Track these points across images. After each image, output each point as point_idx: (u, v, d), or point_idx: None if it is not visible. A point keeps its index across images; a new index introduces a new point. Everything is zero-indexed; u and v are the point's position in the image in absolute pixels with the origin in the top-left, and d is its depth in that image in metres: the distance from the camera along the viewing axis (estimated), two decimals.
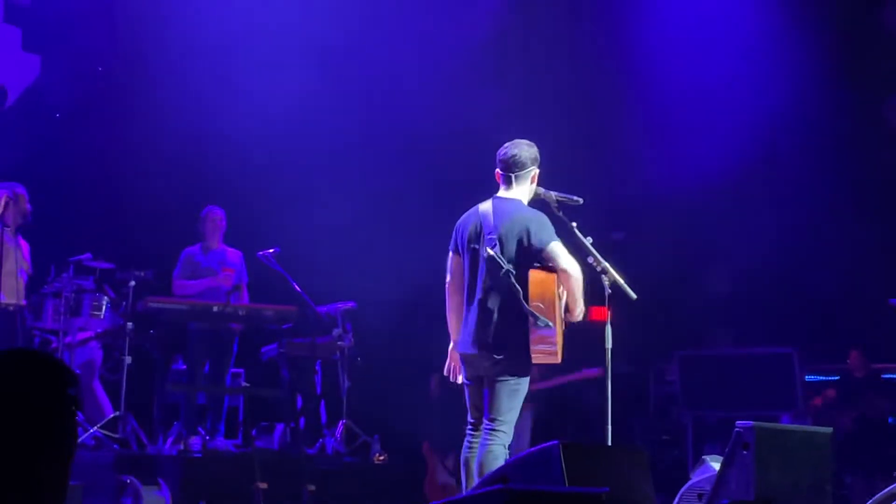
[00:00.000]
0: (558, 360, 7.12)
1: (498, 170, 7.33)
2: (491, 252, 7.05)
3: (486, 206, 7.28)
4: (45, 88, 13.65)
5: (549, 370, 10.01)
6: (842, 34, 12.42)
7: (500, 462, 6.86)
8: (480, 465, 6.99)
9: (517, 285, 6.97)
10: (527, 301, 6.96)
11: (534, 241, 7.07)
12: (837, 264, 11.00)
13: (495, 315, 7.13)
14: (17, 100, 13.62)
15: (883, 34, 12.65)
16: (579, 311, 7.17)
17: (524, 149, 7.29)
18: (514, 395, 7.08)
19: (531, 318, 6.92)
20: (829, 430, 6.30)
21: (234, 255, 11.34)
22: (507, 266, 7.01)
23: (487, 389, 7.13)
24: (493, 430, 7.04)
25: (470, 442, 7.23)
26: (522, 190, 7.32)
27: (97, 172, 12.60)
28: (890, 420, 11.11)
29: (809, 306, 11.00)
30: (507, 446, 7.02)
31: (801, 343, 10.93)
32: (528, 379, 7.15)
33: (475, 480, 6.96)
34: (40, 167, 11.82)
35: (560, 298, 7.06)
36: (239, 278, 11.23)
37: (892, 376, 11.03)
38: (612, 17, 12.88)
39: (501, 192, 7.33)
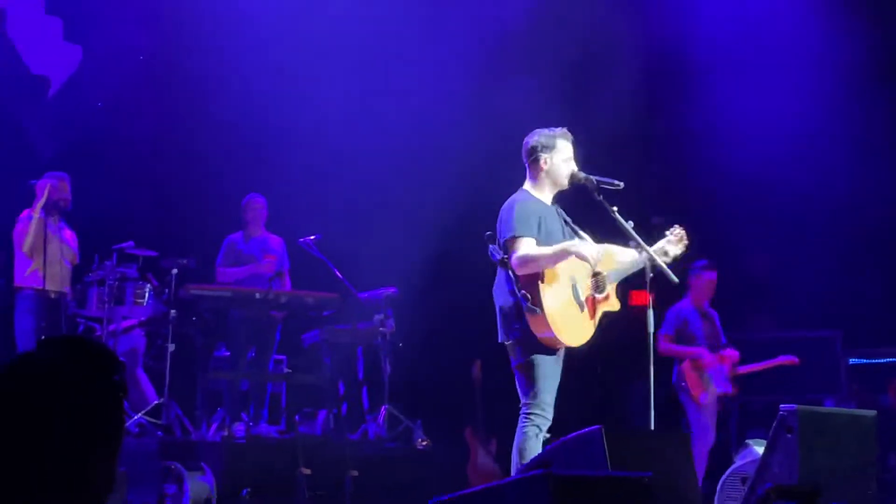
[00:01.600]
0: (564, 342, 7.05)
1: None
2: (490, 243, 7.17)
3: None
4: (86, 78, 13.70)
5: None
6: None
7: (531, 445, 6.93)
8: (516, 450, 7.03)
9: (511, 273, 7.01)
10: (518, 288, 6.99)
11: (500, 232, 7.18)
12: (882, 247, 10.93)
13: (499, 303, 7.21)
14: (60, 90, 13.68)
15: None
16: (586, 259, 7.08)
17: (533, 136, 7.32)
18: (530, 378, 7.07)
19: (523, 305, 6.94)
20: (874, 413, 6.28)
21: (275, 242, 11.37)
22: (500, 255, 7.10)
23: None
24: (524, 414, 7.08)
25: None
26: (533, 176, 7.35)
27: (139, 161, 12.65)
28: None
29: (855, 289, 10.92)
30: (542, 428, 6.99)
31: (847, 327, 10.90)
32: (542, 361, 7.03)
33: (513, 465, 7.01)
34: (83, 156, 11.88)
35: (551, 283, 7.03)
36: (280, 265, 11.27)
37: None
38: (651, 14, 12.84)
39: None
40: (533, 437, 6.95)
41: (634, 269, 7.26)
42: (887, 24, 12.27)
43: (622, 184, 7.25)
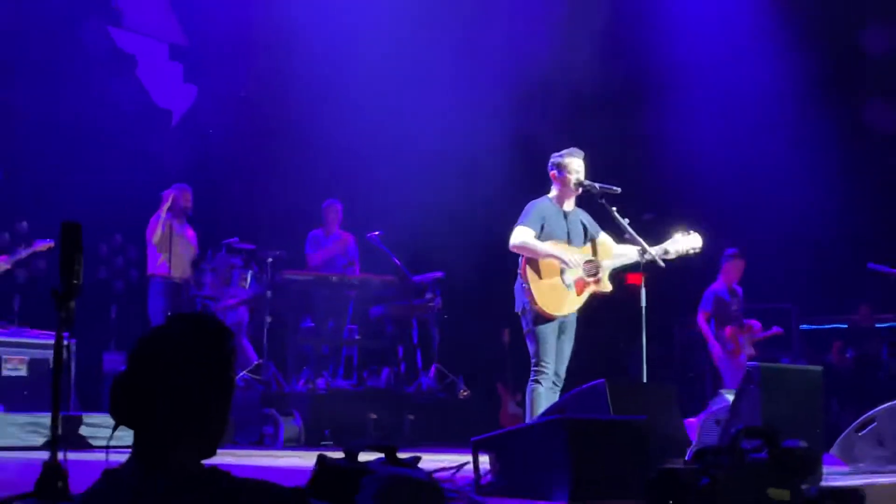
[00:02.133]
0: (550, 313, 7.05)
1: None
2: None
3: None
4: (200, 111, 13.76)
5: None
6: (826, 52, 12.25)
7: (535, 396, 6.97)
8: (527, 399, 7.09)
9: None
10: (517, 270, 7.18)
11: None
12: (833, 237, 10.84)
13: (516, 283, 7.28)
14: (180, 121, 13.75)
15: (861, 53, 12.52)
16: (562, 261, 7.11)
17: (553, 157, 7.31)
18: (534, 342, 7.10)
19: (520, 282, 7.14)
20: (820, 368, 6.23)
21: (348, 237, 11.38)
22: None
23: None
24: (532, 371, 7.09)
25: None
26: (554, 186, 7.32)
27: (242, 175, 12.70)
28: (884, 356, 10.99)
29: (806, 270, 10.86)
30: (543, 382, 6.98)
31: (799, 300, 10.84)
32: (541, 329, 7.05)
33: (526, 410, 7.08)
34: (199, 172, 11.92)
35: (543, 264, 7.09)
36: (352, 256, 11.29)
37: (886, 325, 10.88)
38: (641, 38, 12.73)
39: None
40: (537, 389, 6.97)
41: (631, 261, 7.24)
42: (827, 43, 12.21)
43: (619, 189, 7.24)
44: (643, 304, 7.05)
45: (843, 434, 6.97)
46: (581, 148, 7.38)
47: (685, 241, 7.29)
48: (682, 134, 12.02)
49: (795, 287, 10.63)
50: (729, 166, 11.81)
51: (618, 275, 7.45)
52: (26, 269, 10.60)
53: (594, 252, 7.24)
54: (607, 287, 7.21)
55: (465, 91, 12.37)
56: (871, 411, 6.87)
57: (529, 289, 7.05)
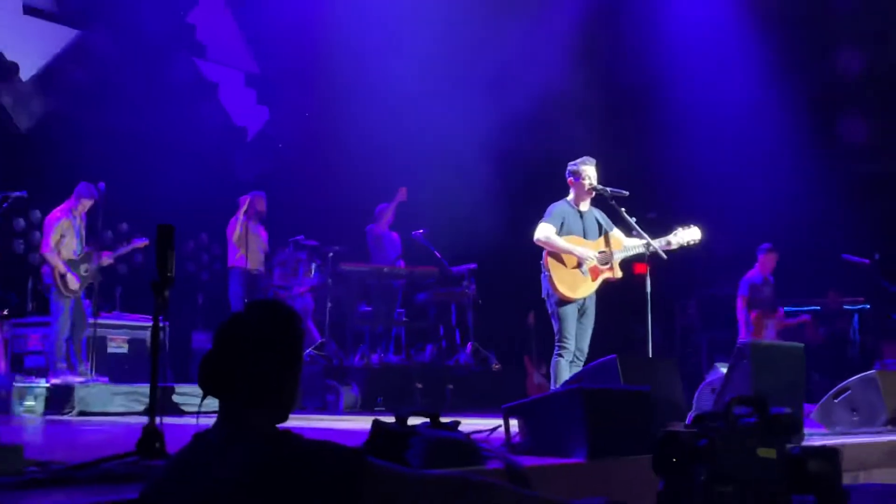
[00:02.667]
0: (568, 296, 7.06)
1: None
2: None
3: None
4: (271, 129, 13.86)
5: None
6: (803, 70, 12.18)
7: (558, 368, 6.98)
8: (552, 371, 7.11)
9: None
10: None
11: None
12: (806, 231, 10.75)
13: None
14: (254, 137, 13.84)
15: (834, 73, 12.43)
16: (578, 256, 7.11)
17: (569, 166, 7.32)
18: (557, 322, 7.11)
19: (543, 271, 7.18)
20: (802, 345, 6.19)
21: (395, 236, 11.41)
22: None
23: None
24: (556, 346, 7.10)
25: None
26: (571, 190, 7.33)
27: (306, 181, 12.74)
28: (851, 335, 10.89)
29: (786, 258, 10.75)
30: (565, 356, 7.00)
31: (779, 285, 10.74)
32: (562, 310, 7.07)
33: (551, 381, 7.09)
34: (270, 180, 11.99)
35: (560, 252, 7.10)
36: (399, 251, 11.33)
37: (851, 307, 10.77)
38: (644, 60, 12.66)
39: None
40: (560, 362, 6.98)
41: (638, 252, 7.23)
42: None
43: (627, 192, 7.23)
44: (648, 290, 7.06)
45: (822, 401, 6.93)
46: (593, 156, 7.39)
47: (686, 234, 7.29)
48: (679, 143, 11.96)
49: (777, 274, 10.52)
50: (718, 170, 11.72)
51: (626, 265, 7.44)
52: (126, 263, 10.71)
53: (607, 244, 7.24)
54: (618, 274, 7.20)
55: (493, 110, 12.35)
56: (846, 381, 6.84)
57: (551, 276, 7.09)
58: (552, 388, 6.95)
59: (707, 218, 10.05)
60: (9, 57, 11.43)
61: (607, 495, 2.51)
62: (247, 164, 12.93)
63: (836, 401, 6.82)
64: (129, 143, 11.26)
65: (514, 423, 4.22)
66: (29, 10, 11.71)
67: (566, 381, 6.16)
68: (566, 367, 6.96)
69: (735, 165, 11.86)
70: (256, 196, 10.50)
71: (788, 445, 2.46)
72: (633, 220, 7.17)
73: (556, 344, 7.07)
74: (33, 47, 11.69)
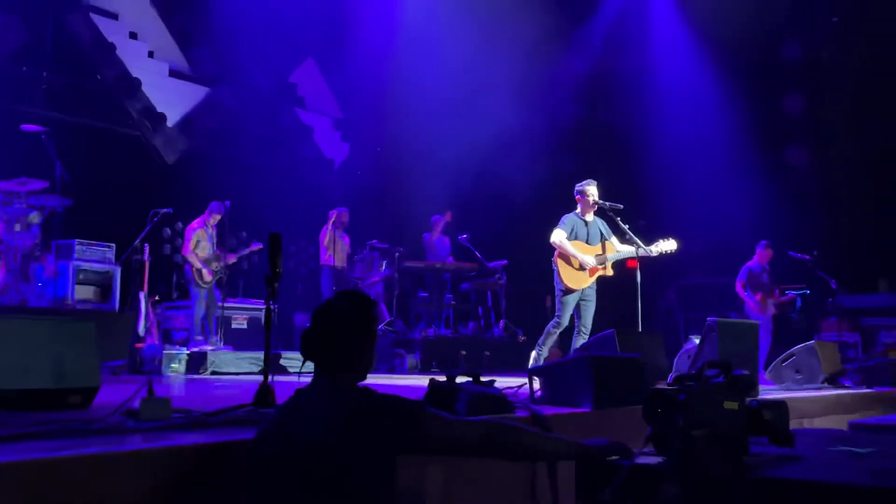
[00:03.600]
0: (571, 286, 7.03)
1: None
2: None
3: None
4: (352, 160, 13.92)
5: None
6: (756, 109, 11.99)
7: (548, 335, 7.13)
8: (544, 332, 7.19)
9: None
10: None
11: None
12: (760, 234, 10.57)
13: None
14: (339, 166, 13.92)
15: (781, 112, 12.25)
16: (580, 260, 7.06)
17: (577, 186, 7.29)
18: (558, 304, 7.16)
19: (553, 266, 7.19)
20: (757, 322, 6.10)
21: (447, 240, 11.40)
22: None
23: None
24: (553, 319, 7.15)
25: None
26: (578, 204, 7.29)
27: (378, 199, 12.78)
28: (793, 315, 10.65)
29: (745, 254, 10.59)
30: (557, 329, 7.08)
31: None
32: (563, 298, 7.09)
33: (541, 338, 7.21)
34: (352, 198, 12.04)
35: (568, 255, 7.05)
36: (448, 251, 11.32)
37: (795, 293, 10.50)
38: (632, 101, 12.57)
39: None
40: (550, 330, 7.09)
41: (629, 255, 7.17)
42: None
43: (622, 206, 7.18)
44: (638, 279, 7.00)
45: (772, 364, 6.83)
46: (595, 177, 7.37)
47: (665, 245, 7.22)
48: (661, 166, 11.89)
49: (739, 264, 10.35)
50: (691, 186, 11.59)
51: (621, 261, 7.38)
52: (246, 262, 10.81)
53: (604, 249, 7.20)
54: (610, 272, 7.18)
55: (520, 141, 12.34)
56: (792, 349, 6.74)
57: (558, 271, 7.08)
58: (538, 345, 7.16)
59: (682, 223, 9.99)
60: (159, 109, 11.61)
61: (609, 437, 2.48)
62: (334, 187, 13.01)
63: (784, 364, 6.72)
64: (247, 171, 11.37)
65: (536, 381, 4.20)
66: (173, 74, 11.90)
67: (576, 349, 6.16)
68: (554, 334, 7.11)
69: (704, 182, 11.72)
70: (341, 210, 10.55)
71: (747, 399, 2.42)
72: (626, 227, 7.11)
73: (554, 318, 7.13)
74: (177, 101, 11.86)
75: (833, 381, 6.61)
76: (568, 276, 7.06)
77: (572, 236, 7.12)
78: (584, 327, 7.06)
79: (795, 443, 2.44)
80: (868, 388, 6.68)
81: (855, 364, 7.67)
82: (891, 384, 6.82)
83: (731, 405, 2.34)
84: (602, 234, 7.25)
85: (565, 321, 7.06)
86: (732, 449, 2.30)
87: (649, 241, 7.20)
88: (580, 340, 6.90)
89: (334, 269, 10.37)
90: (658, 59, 12.89)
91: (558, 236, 7.08)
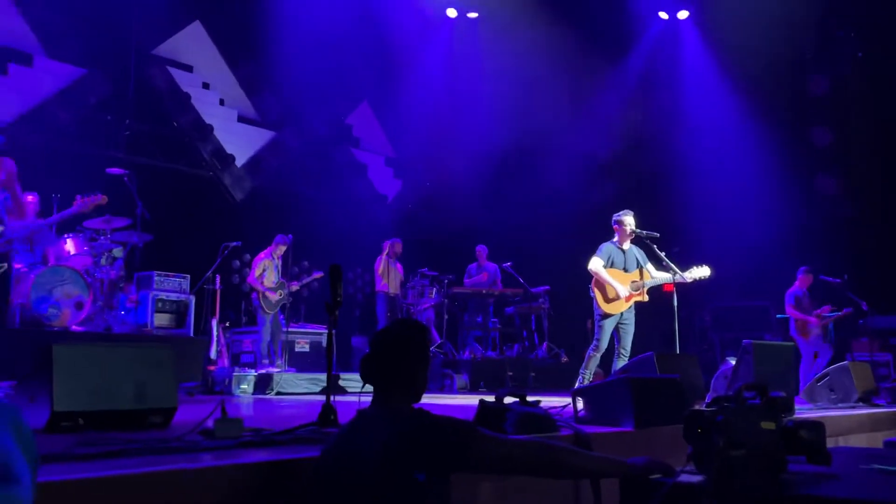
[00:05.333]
0: (609, 312, 6.93)
1: None
2: None
3: None
4: (403, 195, 14.02)
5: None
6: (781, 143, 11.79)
7: (590, 359, 6.93)
8: (586, 357, 7.01)
9: None
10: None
11: None
12: (794, 260, 10.35)
13: None
14: (392, 200, 14.02)
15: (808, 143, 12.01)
16: (615, 291, 6.93)
17: (614, 216, 7.19)
18: (597, 329, 7.02)
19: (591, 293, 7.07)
20: (792, 343, 5.96)
21: (492, 267, 11.39)
22: None
23: None
24: (593, 343, 7.01)
25: None
26: (615, 233, 7.19)
27: (429, 231, 12.83)
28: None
29: (777, 276, 10.34)
30: (598, 353, 6.93)
31: (773, 298, 10.34)
32: (602, 322, 6.96)
33: (583, 363, 7.04)
34: (404, 230, 12.11)
35: (604, 283, 6.96)
36: (494, 278, 11.30)
37: (829, 314, 10.19)
38: (667, 135, 12.47)
39: None
40: (592, 355, 6.92)
41: (664, 281, 7.07)
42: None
43: (658, 234, 7.09)
44: (675, 303, 6.88)
45: (808, 384, 6.66)
46: (631, 206, 7.30)
47: (699, 271, 7.07)
48: (696, 196, 11.73)
49: (771, 288, 10.13)
50: (726, 216, 11.43)
51: (658, 285, 7.27)
52: (308, 289, 10.92)
53: (640, 276, 7.10)
54: (645, 298, 7.06)
55: (559, 177, 12.31)
56: (827, 369, 6.58)
57: (596, 297, 6.99)
58: (581, 370, 6.98)
59: (714, 249, 9.83)
60: (228, 151, 11.86)
61: (650, 455, 2.44)
62: (387, 219, 13.11)
63: (818, 384, 6.55)
64: (308, 206, 11.53)
65: (580, 401, 4.15)
66: (241, 119, 12.16)
67: (617, 371, 6.07)
68: (595, 357, 6.94)
69: (735, 209, 11.56)
70: (395, 241, 10.63)
71: (785, 419, 2.37)
72: (663, 255, 7.01)
73: (594, 341, 7.01)
74: (244, 144, 12.10)
75: (866, 399, 6.41)
76: (604, 301, 6.98)
77: (609, 264, 7.04)
78: (624, 350, 6.95)
79: (832, 461, 2.37)
80: None
81: (887, 383, 7.42)
82: None
83: (768, 425, 2.28)
84: (638, 261, 7.16)
85: (604, 345, 6.95)
86: (770, 468, 2.24)
87: (684, 267, 7.09)
88: (620, 363, 6.79)
89: (388, 296, 10.41)
90: (690, 94, 12.81)
91: (595, 265, 7.01)
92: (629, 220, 7.11)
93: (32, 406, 3.59)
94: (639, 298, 7.04)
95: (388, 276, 10.37)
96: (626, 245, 7.17)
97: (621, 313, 6.99)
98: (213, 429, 3.00)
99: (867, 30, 11.57)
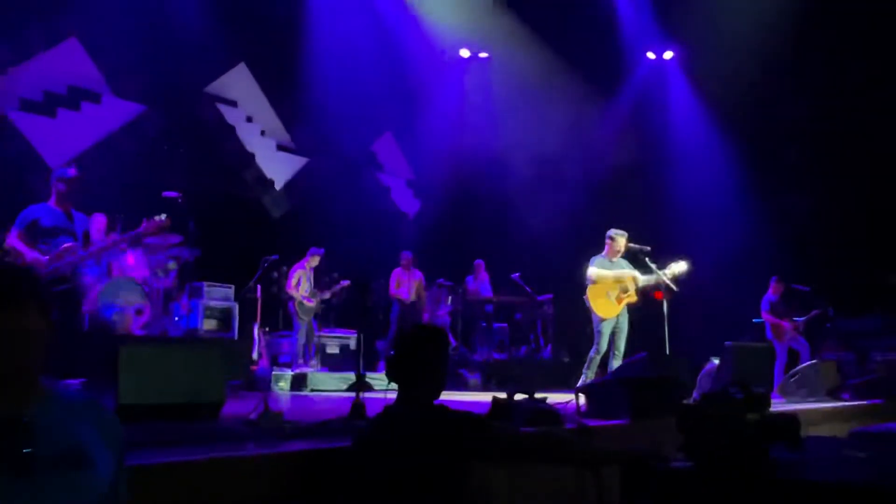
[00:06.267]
0: (602, 315, 6.84)
1: None
2: None
3: None
4: (422, 214, 14.01)
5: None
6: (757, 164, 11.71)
7: (591, 360, 6.87)
8: (588, 359, 6.95)
9: None
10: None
11: None
12: (765, 268, 10.23)
13: None
14: (412, 218, 14.03)
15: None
16: (614, 276, 6.88)
17: (608, 232, 7.13)
18: (596, 332, 6.95)
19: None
20: (768, 345, 5.90)
21: (486, 276, 11.19)
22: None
23: None
24: (593, 346, 6.93)
25: None
26: (606, 247, 7.14)
27: (445, 245, 12.72)
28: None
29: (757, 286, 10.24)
30: (598, 354, 6.85)
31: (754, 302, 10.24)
32: (599, 325, 6.88)
33: (586, 365, 6.96)
34: (423, 244, 12.06)
35: (598, 288, 6.88)
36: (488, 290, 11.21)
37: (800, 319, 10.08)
38: (656, 155, 12.44)
39: None
40: (593, 357, 6.87)
41: (649, 282, 6.96)
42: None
43: (649, 247, 7.06)
44: (665, 310, 6.84)
45: (782, 380, 6.59)
46: (624, 220, 7.32)
47: (677, 266, 6.95)
48: (683, 209, 11.65)
49: (748, 295, 9.99)
50: (708, 227, 11.32)
51: (648, 294, 7.19)
52: (338, 298, 10.91)
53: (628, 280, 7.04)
54: (635, 299, 6.97)
55: (562, 196, 12.26)
56: (797, 367, 6.52)
57: (592, 306, 6.94)
58: (584, 370, 6.88)
59: (700, 260, 9.69)
60: (268, 176, 11.93)
61: (645, 445, 2.42)
62: (408, 235, 13.10)
63: (791, 381, 6.49)
64: (338, 223, 11.42)
65: (582, 397, 4.13)
66: (280, 148, 12.24)
67: (615, 370, 6.01)
68: (597, 360, 6.86)
69: (718, 226, 11.43)
70: (408, 256, 10.47)
71: (765, 412, 2.35)
72: (654, 266, 6.96)
73: (594, 345, 6.94)
74: (282, 169, 12.17)
75: (833, 394, 6.35)
76: (600, 307, 6.93)
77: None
78: (618, 351, 6.90)
79: (806, 449, 2.35)
80: (864, 400, 6.39)
81: (851, 380, 7.33)
82: (882, 398, 6.50)
83: (751, 417, 2.26)
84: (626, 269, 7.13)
85: (603, 347, 6.88)
86: (753, 455, 2.22)
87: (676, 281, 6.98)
88: (616, 362, 6.75)
89: (402, 302, 10.34)
90: (676, 123, 12.84)
91: (593, 270, 6.98)
92: (621, 240, 7.07)
93: (101, 400, 3.61)
94: (629, 300, 6.98)
95: (404, 284, 10.33)
96: (616, 257, 7.13)
97: (616, 317, 6.94)
98: (256, 421, 3.01)
99: (837, 62, 11.45)
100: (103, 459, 1.52)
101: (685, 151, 12.27)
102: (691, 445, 2.20)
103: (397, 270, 10.36)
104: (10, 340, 1.45)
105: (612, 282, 6.93)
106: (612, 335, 6.95)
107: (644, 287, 7.05)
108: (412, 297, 10.40)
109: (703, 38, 11.73)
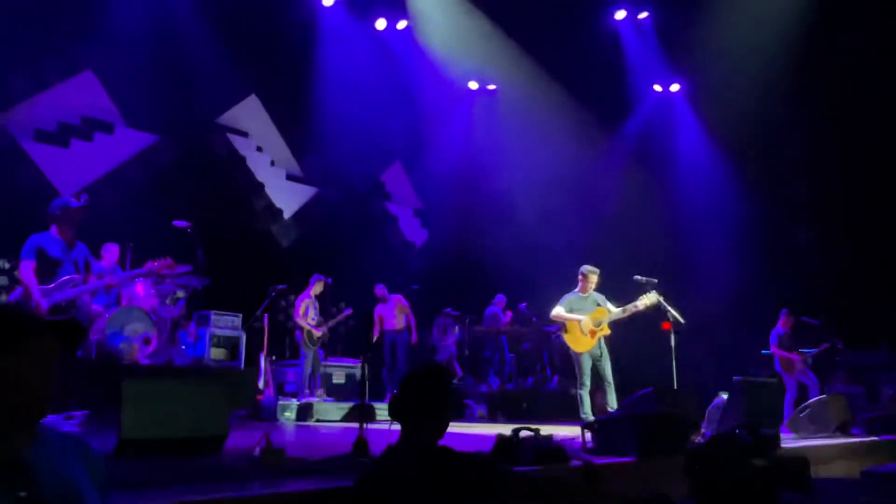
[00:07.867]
0: (576, 350, 6.78)
1: None
2: None
3: None
4: (430, 244, 14.00)
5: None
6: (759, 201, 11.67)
7: (581, 397, 6.70)
8: (578, 398, 6.80)
9: None
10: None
11: None
12: (774, 304, 10.12)
13: None
14: (419, 247, 14.02)
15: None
16: (577, 324, 6.80)
17: (581, 269, 7.09)
18: (577, 366, 6.84)
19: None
20: (777, 379, 5.81)
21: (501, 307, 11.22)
22: None
23: None
24: (578, 382, 6.80)
25: None
26: (579, 284, 7.07)
27: (452, 274, 12.67)
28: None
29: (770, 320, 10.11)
30: (584, 389, 6.71)
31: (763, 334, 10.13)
32: (578, 359, 6.80)
33: (580, 404, 6.77)
34: (430, 273, 12.01)
35: (570, 324, 6.83)
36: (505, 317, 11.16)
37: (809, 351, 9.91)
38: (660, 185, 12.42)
39: None
40: (581, 392, 6.73)
41: (618, 316, 6.83)
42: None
43: (657, 280, 6.98)
44: (672, 342, 6.74)
45: (792, 415, 6.49)
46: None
47: (647, 298, 6.75)
48: (690, 241, 11.60)
49: (757, 329, 9.88)
50: (715, 264, 11.25)
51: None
52: (344, 326, 10.85)
53: (598, 314, 6.96)
54: (607, 331, 6.87)
55: (565, 232, 12.24)
56: (808, 401, 6.41)
57: (566, 341, 6.90)
58: (580, 410, 6.71)
59: (707, 294, 9.67)
60: (277, 205, 11.98)
61: (650, 483, 2.37)
62: (416, 264, 13.08)
63: (801, 415, 6.38)
64: (346, 253, 11.48)
65: (587, 434, 4.06)
66: (289, 177, 12.31)
67: (622, 405, 5.91)
68: (585, 395, 6.72)
69: (726, 259, 11.38)
70: (377, 286, 10.32)
71: (773, 454, 2.30)
72: (661, 298, 6.84)
73: (578, 382, 6.82)
74: (291, 199, 12.22)
75: (844, 430, 6.23)
76: (573, 341, 6.88)
77: (568, 310, 6.97)
78: (608, 382, 6.78)
79: (816, 491, 2.29)
80: (875, 436, 6.26)
81: (863, 414, 7.21)
82: (894, 433, 6.38)
83: (759, 461, 2.22)
84: (598, 303, 7.02)
85: (587, 381, 6.75)
86: (762, 500, 2.16)
87: (684, 313, 6.88)
88: (610, 393, 6.67)
89: (392, 333, 9.86)
90: (682, 155, 12.84)
91: (555, 311, 6.96)
92: (593, 276, 7.03)
93: (103, 433, 3.57)
94: (602, 334, 6.90)
95: (387, 315, 9.86)
96: (587, 292, 7.07)
97: (590, 350, 6.87)
98: (259, 457, 2.97)
99: (845, 94, 11.46)
100: (91, 498, 1.50)
101: (692, 183, 12.27)
102: (699, 489, 2.15)
103: (377, 307, 9.93)
104: (9, 386, 1.44)
105: (584, 316, 6.87)
106: (595, 368, 6.85)
107: (617, 319, 6.92)
108: (398, 324, 9.97)
109: (710, 71, 11.81)
